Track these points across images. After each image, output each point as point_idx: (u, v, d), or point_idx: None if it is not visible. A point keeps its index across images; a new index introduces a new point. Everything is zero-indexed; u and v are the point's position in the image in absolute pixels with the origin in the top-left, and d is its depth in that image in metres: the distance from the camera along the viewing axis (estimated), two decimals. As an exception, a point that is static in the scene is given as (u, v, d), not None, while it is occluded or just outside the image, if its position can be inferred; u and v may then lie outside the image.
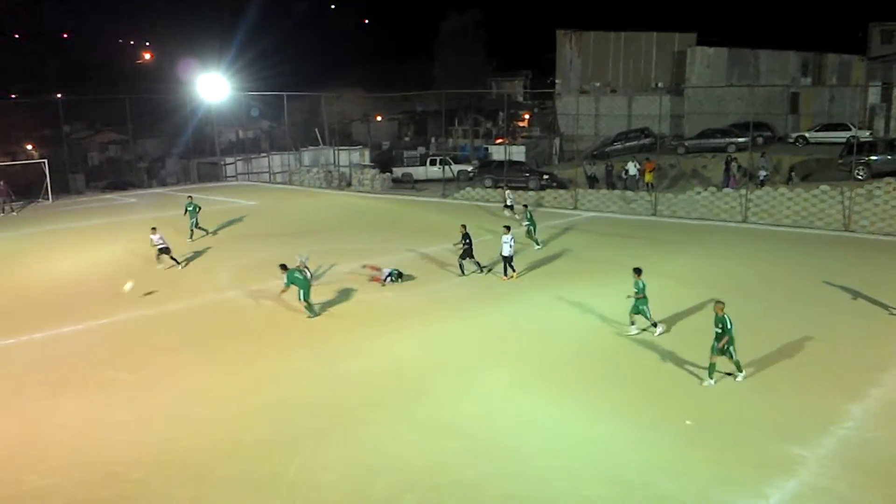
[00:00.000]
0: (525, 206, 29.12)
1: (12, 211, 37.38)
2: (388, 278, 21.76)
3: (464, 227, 22.89)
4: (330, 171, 46.82)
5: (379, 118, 67.72)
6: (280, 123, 57.68)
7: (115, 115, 53.71)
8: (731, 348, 13.75)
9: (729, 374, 14.21)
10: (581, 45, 54.33)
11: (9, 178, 43.53)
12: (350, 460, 11.52)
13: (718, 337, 13.67)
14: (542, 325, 17.91)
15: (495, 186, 39.95)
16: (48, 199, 41.50)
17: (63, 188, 45.42)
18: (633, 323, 16.78)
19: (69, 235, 30.28)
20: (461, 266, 22.48)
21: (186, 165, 53.67)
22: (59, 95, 54.42)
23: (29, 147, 58.00)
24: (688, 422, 12.58)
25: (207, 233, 29.57)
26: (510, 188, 35.56)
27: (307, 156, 51.44)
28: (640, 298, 16.40)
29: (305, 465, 11.42)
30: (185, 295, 21.29)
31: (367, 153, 51.83)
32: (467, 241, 22.45)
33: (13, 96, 60.88)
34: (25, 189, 43.48)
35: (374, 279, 22.03)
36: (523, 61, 71.54)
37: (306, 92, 54.04)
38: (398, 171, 48.06)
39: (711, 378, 13.93)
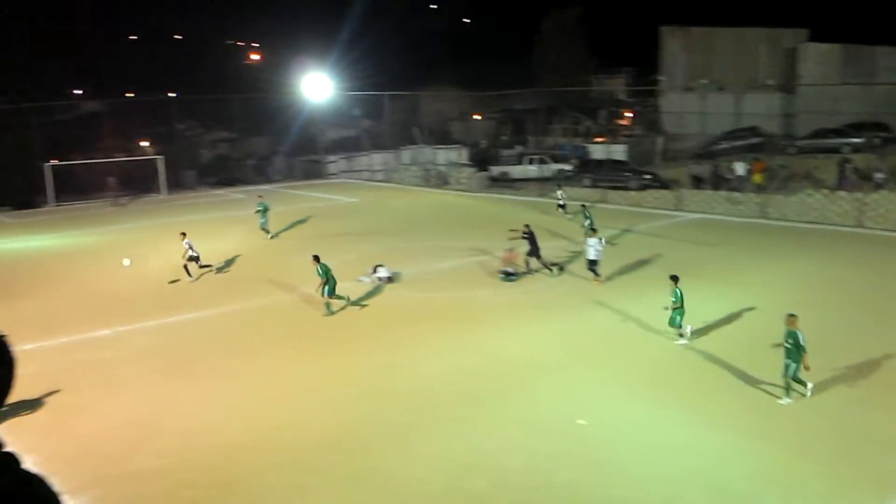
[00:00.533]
0: (583, 205, 28.43)
1: (121, 204, 39.45)
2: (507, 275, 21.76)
3: (527, 226, 22.93)
4: (428, 170, 47.31)
5: (477, 117, 67.89)
6: (380, 122, 58.70)
7: (226, 114, 56.04)
8: (794, 365, 12.78)
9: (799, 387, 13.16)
10: (686, 41, 52.87)
11: (125, 173, 46.13)
12: (444, 456, 11.65)
13: (788, 352, 12.81)
14: (638, 328, 17.59)
15: (594, 186, 39.41)
16: (161, 193, 43.70)
17: (176, 183, 47.71)
18: (681, 335, 16.25)
19: (182, 228, 31.66)
20: (527, 263, 22.47)
21: (291, 163, 55.42)
22: (172, 95, 57.19)
23: (145, 144, 61.15)
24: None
25: (270, 235, 29.35)
26: (560, 187, 34.80)
27: (406, 154, 52.14)
28: (677, 308, 15.91)
29: (401, 457, 11.63)
30: (292, 288, 22.01)
31: (464, 152, 52.08)
32: (527, 237, 22.44)
33: (130, 95, 64.23)
34: (141, 183, 45.99)
35: (505, 257, 22.01)
36: (626, 58, 70.19)
37: (406, 91, 54.77)
38: (495, 170, 48.01)
39: (790, 396, 13.07)
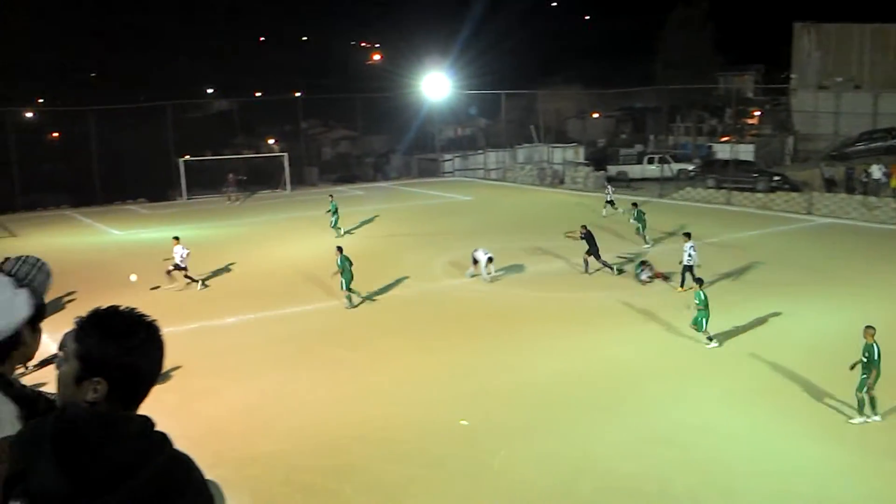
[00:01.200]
0: (634, 203, 27.77)
1: (237, 200, 41.09)
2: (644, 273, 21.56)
3: (584, 226, 23.05)
4: (543, 169, 47.00)
5: (595, 115, 66.82)
6: (496, 121, 58.77)
7: (347, 113, 57.60)
8: (867, 380, 11.98)
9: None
10: (821, 38, 50.09)
11: (252, 169, 48.23)
12: (555, 457, 11.56)
13: (865, 367, 12.03)
14: (757, 337, 16.81)
15: (718, 187, 38.01)
16: (286, 188, 45.42)
17: (299, 179, 49.45)
18: (710, 338, 15.78)
19: (305, 223, 32.81)
20: (586, 263, 22.50)
21: (408, 161, 56.36)
22: (297, 94, 59.34)
23: (271, 141, 63.74)
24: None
25: (341, 233, 29.28)
26: (611, 183, 34.40)
27: (521, 153, 51.97)
28: (701, 310, 15.61)
29: (511, 456, 11.63)
30: (406, 283, 22.42)
31: (581, 151, 51.38)
32: (585, 237, 22.53)
33: (257, 94, 67.09)
34: (267, 179, 47.98)
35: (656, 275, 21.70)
36: (754, 55, 67.23)
37: (523, 90, 54.58)
38: (613, 169, 47.09)
39: (862, 415, 12.23)
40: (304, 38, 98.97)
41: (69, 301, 17.05)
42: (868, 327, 12.24)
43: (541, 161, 49.17)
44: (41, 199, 41.80)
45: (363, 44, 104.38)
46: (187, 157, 45.33)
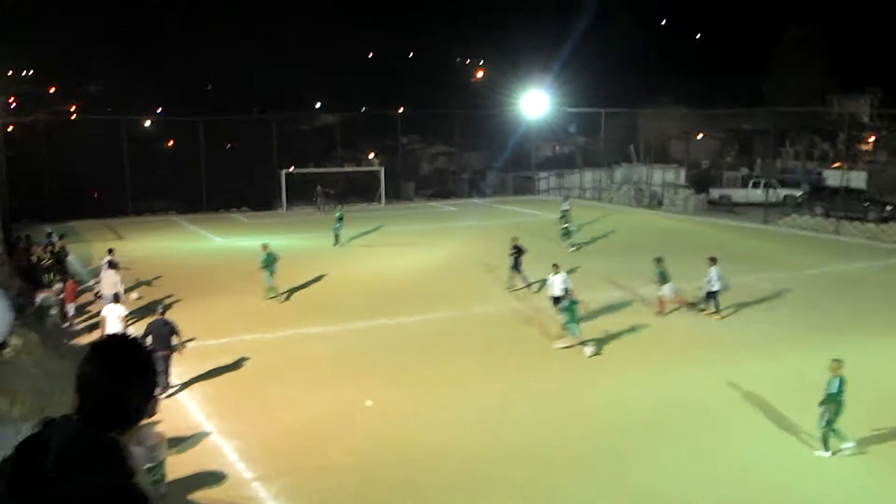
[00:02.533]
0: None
1: (323, 210, 41.96)
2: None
3: (514, 238, 23.68)
4: (641, 190, 46.03)
5: (700, 136, 65.02)
6: (596, 139, 58.01)
7: (446, 129, 58.17)
8: (826, 414, 11.94)
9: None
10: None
11: (351, 183, 49.28)
12: (626, 486, 11.19)
13: (828, 400, 12.01)
14: (851, 376, 15.77)
15: (826, 215, 36.23)
16: (381, 202, 46.18)
17: (395, 193, 50.24)
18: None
19: (397, 238, 33.22)
20: (523, 279, 22.93)
21: (504, 178, 56.33)
22: (399, 110, 60.36)
23: (371, 156, 65.04)
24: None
25: (338, 244, 30.54)
26: (567, 198, 35.92)
27: (619, 172, 51.08)
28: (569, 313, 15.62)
29: (581, 483, 11.32)
30: (487, 300, 22.37)
31: (682, 172, 50.06)
32: (515, 253, 23.02)
33: (363, 109, 68.63)
34: (365, 192, 48.94)
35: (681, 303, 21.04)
36: (871, 77, 63.91)
37: (624, 109, 53.69)
38: (715, 193, 45.74)
39: (826, 450, 12.04)
40: (411, 55, 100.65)
41: (162, 301, 17.75)
42: (834, 360, 12.23)
43: (639, 182, 48.18)
44: (151, 204, 44.00)
45: (468, 61, 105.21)
46: (292, 168, 46.79)
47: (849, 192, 37.45)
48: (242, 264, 27.31)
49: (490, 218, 39.53)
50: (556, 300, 19.30)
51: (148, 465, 10.46)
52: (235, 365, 16.88)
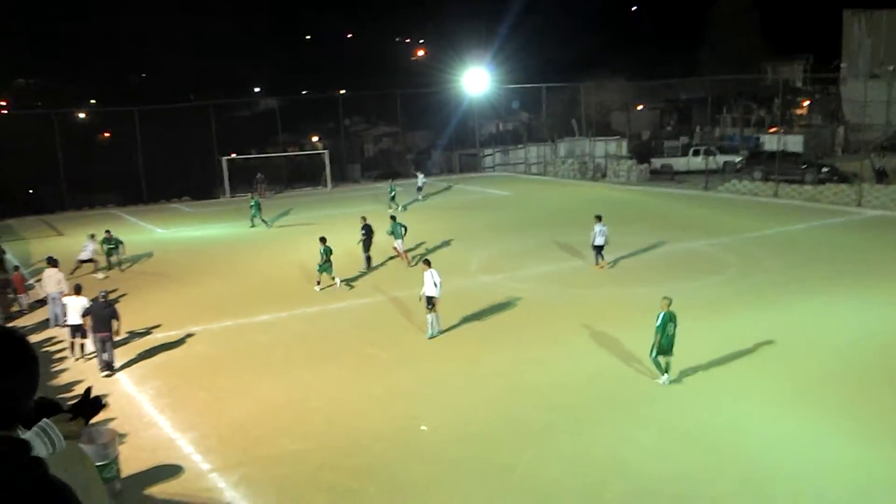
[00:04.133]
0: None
1: (263, 196, 41.13)
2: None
3: (363, 218, 23.98)
4: (585, 162, 46.43)
5: (640, 107, 65.73)
6: (538, 115, 58.21)
7: (389, 109, 57.65)
8: (655, 346, 13.48)
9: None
10: (872, 26, 48.44)
11: (296, 167, 48.56)
12: (581, 460, 11.26)
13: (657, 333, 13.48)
14: (797, 334, 16.21)
15: (765, 179, 37.01)
16: (327, 186, 45.64)
17: (341, 176, 49.71)
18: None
19: (344, 220, 32.74)
20: (367, 260, 23.47)
21: (449, 157, 56.18)
22: (341, 92, 59.58)
23: (314, 139, 64.18)
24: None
25: (252, 226, 30.75)
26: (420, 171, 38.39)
27: (563, 146, 51.41)
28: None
29: (536, 458, 11.36)
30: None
31: (624, 143, 50.62)
32: (365, 232, 23.42)
33: (303, 93, 67.57)
34: (311, 176, 48.30)
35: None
36: (803, 43, 65.32)
37: (565, 83, 53.93)
38: (657, 162, 46.38)
39: (663, 374, 13.66)
40: (349, 36, 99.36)
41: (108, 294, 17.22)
42: (664, 298, 13.69)
43: (583, 155, 48.55)
44: (89, 198, 42.72)
45: (407, 40, 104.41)
46: (232, 155, 45.87)
47: (786, 155, 38.25)
48: (186, 255, 26.76)
49: (436, 196, 39.39)
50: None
51: (100, 463, 10.18)
52: (185, 357, 16.54)
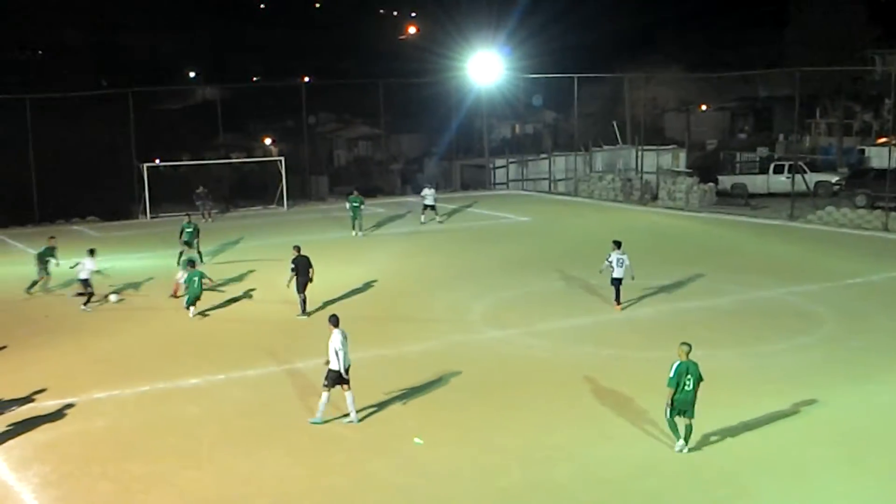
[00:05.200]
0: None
1: (209, 218, 41.35)
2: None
3: (297, 248, 24.72)
4: (629, 180, 46.64)
5: (704, 108, 66.31)
6: (568, 115, 58.62)
7: (368, 104, 57.98)
8: (670, 406, 14.50)
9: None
10: None
11: (241, 178, 48.77)
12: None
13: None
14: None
15: (872, 206, 37.27)
16: (282, 205, 45.75)
17: (302, 192, 49.88)
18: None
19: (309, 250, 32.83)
20: (303, 302, 24.30)
21: (448, 168, 56.53)
22: (304, 80, 60.08)
23: (267, 141, 64.56)
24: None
25: (200, 259, 30.32)
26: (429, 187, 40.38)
27: (600, 158, 51.69)
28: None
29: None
30: (428, 333, 22.32)
31: (682, 156, 50.96)
32: (295, 267, 24.07)
33: (254, 79, 68.04)
34: (261, 191, 48.45)
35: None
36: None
37: (605, 73, 54.41)
38: (726, 181, 46.71)
39: (678, 440, 14.63)
40: (317, 5, 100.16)
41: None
42: (682, 344, 14.68)
43: (626, 169, 48.78)
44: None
45: (394, 13, 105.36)
46: (156, 161, 46.11)
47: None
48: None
49: (430, 222, 39.50)
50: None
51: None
52: (83, 433, 16.41)
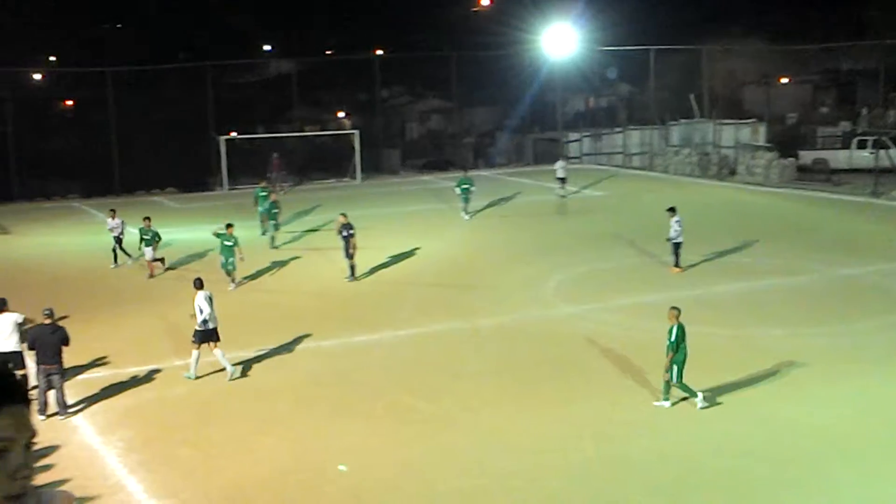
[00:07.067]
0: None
1: (281, 190, 41.34)
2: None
3: (344, 215, 25.39)
4: (707, 154, 46.12)
5: (784, 80, 64.93)
6: (644, 88, 57.92)
7: (441, 77, 57.92)
8: (674, 366, 15.31)
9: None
10: None
11: (315, 151, 49.10)
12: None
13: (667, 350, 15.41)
14: None
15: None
16: (355, 178, 46.07)
17: (375, 166, 50.11)
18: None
19: (377, 225, 33.02)
20: (351, 269, 24.97)
21: (521, 142, 56.30)
22: (377, 52, 60.11)
23: (340, 115, 64.86)
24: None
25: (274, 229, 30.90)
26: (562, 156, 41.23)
27: (676, 132, 51.04)
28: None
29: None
30: (502, 307, 22.33)
31: (762, 129, 50.03)
32: (344, 233, 24.83)
33: (327, 53, 68.27)
34: (334, 164, 48.85)
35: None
36: None
37: (681, 45, 53.59)
38: (807, 156, 45.81)
39: (666, 399, 15.58)
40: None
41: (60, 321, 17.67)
42: (672, 308, 15.78)
43: (703, 143, 48.17)
44: (45, 186, 43.83)
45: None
46: (233, 133, 46.68)
47: None
48: (170, 265, 27.29)
49: (502, 195, 39.45)
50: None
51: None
52: (164, 400, 16.83)
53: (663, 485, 13.04)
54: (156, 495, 13.09)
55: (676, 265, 24.95)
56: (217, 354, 17.68)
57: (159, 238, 26.75)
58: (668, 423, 15.21)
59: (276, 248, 29.50)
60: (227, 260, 24.52)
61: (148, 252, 26.08)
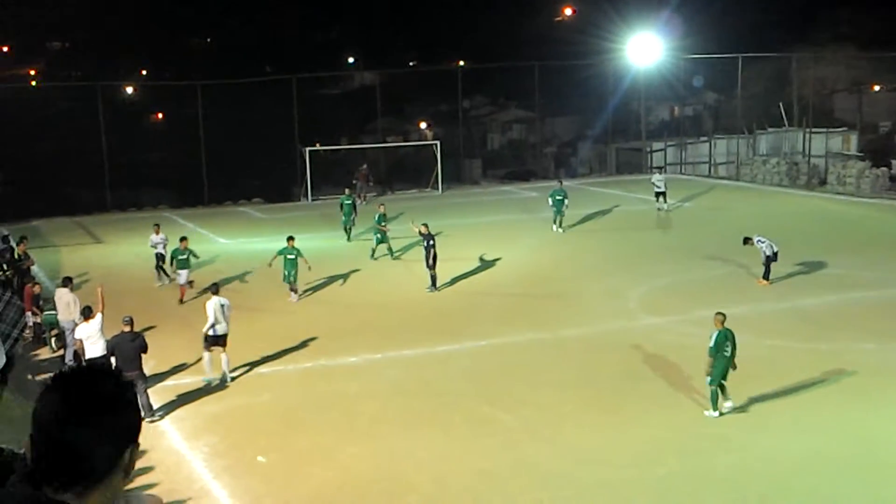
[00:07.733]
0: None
1: (363, 200, 41.25)
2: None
3: (425, 226, 25.65)
4: (796, 164, 45.38)
5: (877, 88, 63.41)
6: (731, 96, 57.11)
7: (522, 87, 57.95)
8: (715, 372, 15.34)
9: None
10: None
11: (397, 162, 49.52)
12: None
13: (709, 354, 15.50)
14: None
15: None
16: (437, 188, 46.25)
17: (455, 176, 50.27)
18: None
19: (459, 235, 33.14)
20: (432, 279, 25.19)
21: (603, 152, 55.93)
22: (460, 63, 60.40)
23: (423, 126, 65.26)
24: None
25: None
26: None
27: (764, 141, 50.28)
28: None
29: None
30: (585, 319, 22.33)
31: (853, 138, 49.04)
32: (425, 243, 25.09)
33: (410, 64, 68.78)
34: (415, 174, 49.17)
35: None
36: None
37: (770, 53, 52.77)
38: (900, 166, 44.73)
39: (714, 409, 15.52)
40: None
41: (144, 332, 18.21)
42: (717, 314, 15.93)
43: (793, 153, 47.40)
44: (136, 196, 44.97)
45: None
46: (317, 144, 47.28)
47: None
48: (256, 273, 27.76)
49: (585, 206, 39.22)
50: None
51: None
52: (249, 407, 17.18)
53: (748, 502, 12.88)
54: (240, 501, 13.38)
55: (765, 277, 24.63)
56: (222, 359, 18.16)
57: (196, 257, 26.40)
58: (754, 437, 15.04)
59: (375, 259, 29.80)
60: (289, 273, 24.60)
61: (182, 275, 25.41)
